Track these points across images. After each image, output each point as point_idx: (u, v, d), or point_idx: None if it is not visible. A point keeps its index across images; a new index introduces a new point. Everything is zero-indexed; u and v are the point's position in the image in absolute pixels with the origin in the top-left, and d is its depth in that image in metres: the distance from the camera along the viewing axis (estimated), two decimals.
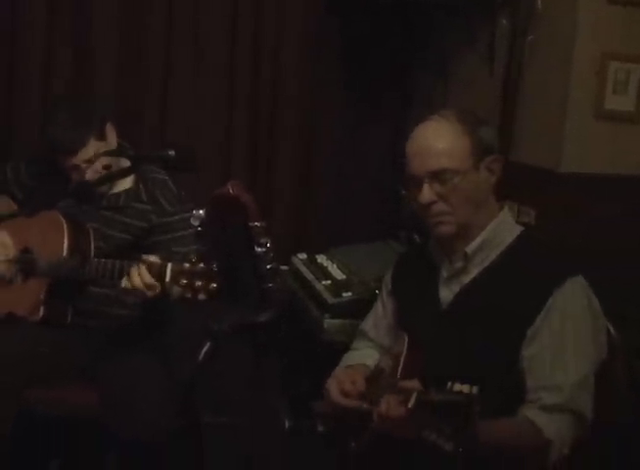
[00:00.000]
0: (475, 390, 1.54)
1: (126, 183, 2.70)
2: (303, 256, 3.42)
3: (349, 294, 2.93)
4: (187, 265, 2.23)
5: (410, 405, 1.61)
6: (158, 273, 2.25)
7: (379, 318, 2.30)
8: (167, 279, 2.24)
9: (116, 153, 2.60)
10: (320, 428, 2.22)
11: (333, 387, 2.05)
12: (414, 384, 1.70)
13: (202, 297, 2.23)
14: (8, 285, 2.58)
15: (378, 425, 1.79)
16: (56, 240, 2.56)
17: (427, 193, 1.94)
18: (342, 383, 2.03)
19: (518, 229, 2.05)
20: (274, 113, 3.74)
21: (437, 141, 1.95)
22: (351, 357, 2.31)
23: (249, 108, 3.70)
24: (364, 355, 2.28)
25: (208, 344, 2.70)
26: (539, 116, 2.88)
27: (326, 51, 3.76)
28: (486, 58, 3.15)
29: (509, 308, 1.90)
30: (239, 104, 3.68)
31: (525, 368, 1.89)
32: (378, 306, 2.32)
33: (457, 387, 1.56)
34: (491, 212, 2.02)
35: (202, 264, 2.22)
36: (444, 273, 2.06)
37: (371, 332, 2.31)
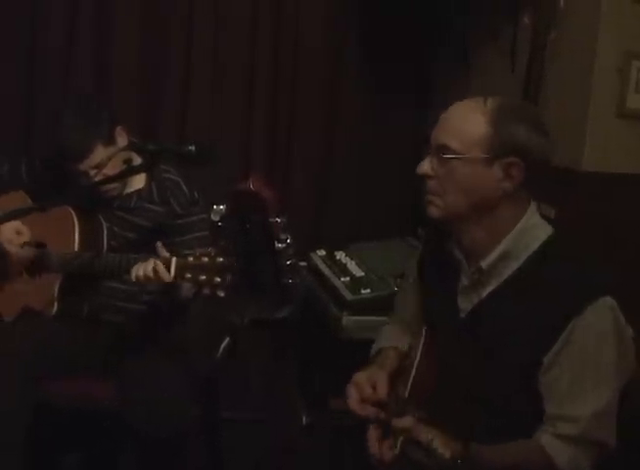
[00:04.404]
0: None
1: (139, 183, 2.70)
2: (322, 252, 3.43)
3: (368, 291, 2.93)
4: (191, 259, 2.24)
5: (396, 452, 1.71)
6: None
7: (410, 304, 2.18)
8: (172, 273, 2.26)
9: (137, 147, 2.57)
10: (337, 425, 2.22)
11: (352, 393, 1.95)
12: (404, 423, 1.69)
13: (206, 291, 2.24)
14: (23, 280, 2.61)
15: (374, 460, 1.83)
16: (67, 235, 2.57)
17: (424, 163, 1.86)
18: (362, 389, 1.93)
19: (544, 233, 1.85)
20: (294, 108, 3.75)
21: (455, 118, 1.84)
22: (388, 334, 2.20)
23: (268, 103, 3.70)
24: (399, 334, 2.17)
25: (227, 339, 2.71)
26: (560, 114, 2.86)
27: (346, 41, 3.77)
28: (508, 53, 3.13)
29: (525, 331, 1.76)
30: (258, 99, 3.69)
31: (542, 393, 1.79)
32: (408, 293, 2.20)
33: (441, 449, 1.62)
34: (508, 222, 1.84)
35: (205, 258, 2.23)
36: (464, 280, 1.93)
37: (402, 312, 2.22)
